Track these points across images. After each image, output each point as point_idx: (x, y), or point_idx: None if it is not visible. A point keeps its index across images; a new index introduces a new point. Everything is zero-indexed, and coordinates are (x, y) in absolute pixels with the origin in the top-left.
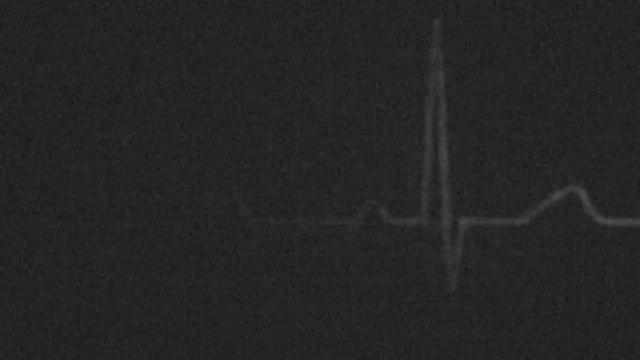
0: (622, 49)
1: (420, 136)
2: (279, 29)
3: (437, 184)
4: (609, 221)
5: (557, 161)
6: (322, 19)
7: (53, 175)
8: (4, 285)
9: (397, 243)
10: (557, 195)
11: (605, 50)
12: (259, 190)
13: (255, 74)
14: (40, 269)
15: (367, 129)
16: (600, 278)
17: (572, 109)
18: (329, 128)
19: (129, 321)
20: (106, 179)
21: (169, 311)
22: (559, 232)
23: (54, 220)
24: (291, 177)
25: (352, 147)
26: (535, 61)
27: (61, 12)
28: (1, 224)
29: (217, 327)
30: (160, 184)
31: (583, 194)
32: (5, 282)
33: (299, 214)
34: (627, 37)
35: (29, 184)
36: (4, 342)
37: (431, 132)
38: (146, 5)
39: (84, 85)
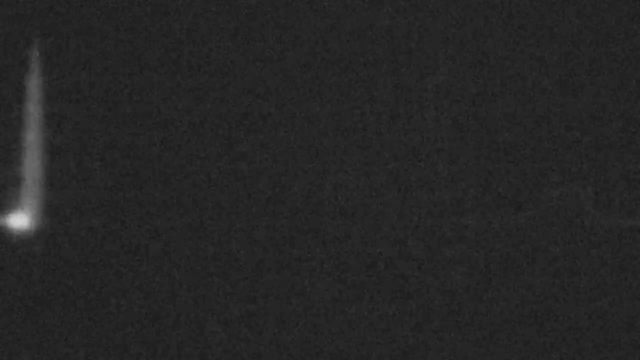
0: (622, 49)
1: (421, 136)
2: (277, 30)
3: (433, 184)
4: (609, 221)
5: (557, 161)
6: (321, 20)
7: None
8: (4, 285)
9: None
10: (557, 195)
11: (606, 50)
12: (258, 191)
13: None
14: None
15: (366, 130)
16: (600, 278)
17: (572, 108)
18: (329, 129)
19: (127, 321)
20: (107, 178)
21: (170, 311)
22: (559, 232)
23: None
24: (290, 177)
25: (351, 147)
26: (535, 61)
27: (63, 13)
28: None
29: (218, 327)
30: (162, 184)
31: (583, 194)
32: (5, 282)
33: (296, 214)
34: (628, 37)
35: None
36: (4, 341)
37: (430, 133)
38: (146, 5)
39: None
